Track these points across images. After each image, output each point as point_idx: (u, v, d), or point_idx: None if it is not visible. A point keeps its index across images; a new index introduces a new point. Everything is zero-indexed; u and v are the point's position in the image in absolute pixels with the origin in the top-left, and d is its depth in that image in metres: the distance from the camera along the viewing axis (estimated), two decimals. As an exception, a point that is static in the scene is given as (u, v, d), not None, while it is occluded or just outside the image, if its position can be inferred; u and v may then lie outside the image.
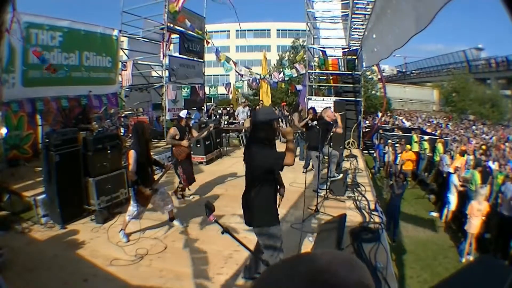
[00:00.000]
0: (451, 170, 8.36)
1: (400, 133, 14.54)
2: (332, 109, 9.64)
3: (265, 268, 0.58)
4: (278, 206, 2.72)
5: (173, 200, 4.48)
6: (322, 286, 0.46)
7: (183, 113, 5.29)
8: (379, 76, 18.23)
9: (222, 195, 5.68)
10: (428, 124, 24.43)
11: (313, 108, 6.89)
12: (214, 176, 6.88)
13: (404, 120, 25.14)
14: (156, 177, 4.07)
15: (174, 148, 5.15)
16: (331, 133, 5.43)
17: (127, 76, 9.95)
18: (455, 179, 7.76)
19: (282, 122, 11.49)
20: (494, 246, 6.23)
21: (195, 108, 11.50)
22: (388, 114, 27.49)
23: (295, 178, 6.35)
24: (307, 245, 3.68)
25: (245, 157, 2.64)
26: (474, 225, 6.12)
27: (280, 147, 2.62)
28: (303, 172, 6.48)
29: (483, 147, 12.87)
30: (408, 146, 11.24)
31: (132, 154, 3.62)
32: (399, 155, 11.05)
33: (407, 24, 3.66)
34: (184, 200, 5.42)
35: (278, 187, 2.74)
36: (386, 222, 5.46)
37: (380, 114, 19.35)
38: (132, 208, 3.86)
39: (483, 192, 6.55)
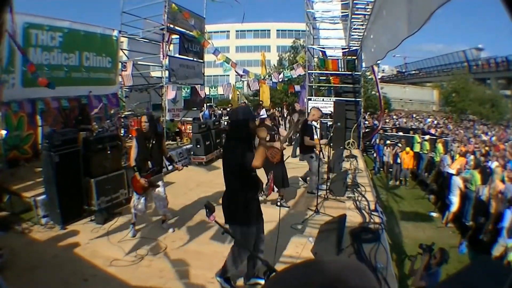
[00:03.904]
0: (454, 172, 8.34)
1: (401, 134, 14.56)
2: (332, 110, 9.69)
3: (273, 277, 0.57)
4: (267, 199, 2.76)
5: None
6: None
7: (263, 113, 5.32)
8: (378, 76, 18.14)
9: (222, 195, 5.67)
10: (427, 125, 24.41)
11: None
12: (214, 176, 6.88)
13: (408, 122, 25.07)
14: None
15: (267, 151, 4.75)
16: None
17: (127, 76, 9.95)
18: (458, 181, 7.75)
19: (282, 122, 11.49)
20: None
21: (196, 107, 11.50)
22: (391, 115, 27.49)
23: (295, 178, 6.35)
24: (307, 246, 3.67)
25: (222, 155, 2.72)
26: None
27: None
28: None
29: (486, 148, 12.87)
30: (408, 148, 11.22)
31: (133, 143, 3.97)
32: (400, 153, 11.04)
33: (400, 26, 3.64)
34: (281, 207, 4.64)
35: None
36: None
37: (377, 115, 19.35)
38: (134, 197, 4.03)
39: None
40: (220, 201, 5.54)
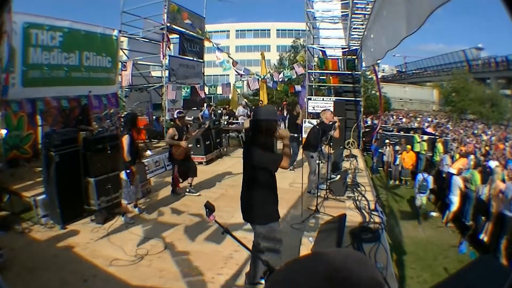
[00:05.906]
0: (455, 172, 8.33)
1: (402, 133, 14.53)
2: (332, 110, 9.69)
3: (279, 269, 0.59)
4: None
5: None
6: (340, 284, 0.48)
7: (176, 113, 5.85)
8: (378, 76, 18.11)
9: (222, 195, 5.69)
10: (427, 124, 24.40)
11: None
12: (214, 176, 6.88)
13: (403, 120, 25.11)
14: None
15: (173, 148, 5.25)
16: (328, 136, 5.38)
17: (127, 76, 9.94)
18: (459, 181, 7.74)
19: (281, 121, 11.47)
20: (494, 246, 6.22)
21: (195, 107, 11.50)
22: (390, 114, 27.47)
23: (294, 178, 6.35)
24: (307, 245, 3.67)
25: (244, 155, 2.68)
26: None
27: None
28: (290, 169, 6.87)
29: (487, 147, 12.86)
30: (409, 147, 11.21)
31: (126, 138, 4.30)
32: (399, 155, 11.03)
33: (399, 26, 3.65)
34: (179, 194, 5.64)
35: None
36: None
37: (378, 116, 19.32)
38: (126, 189, 4.41)
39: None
40: (220, 201, 5.58)
